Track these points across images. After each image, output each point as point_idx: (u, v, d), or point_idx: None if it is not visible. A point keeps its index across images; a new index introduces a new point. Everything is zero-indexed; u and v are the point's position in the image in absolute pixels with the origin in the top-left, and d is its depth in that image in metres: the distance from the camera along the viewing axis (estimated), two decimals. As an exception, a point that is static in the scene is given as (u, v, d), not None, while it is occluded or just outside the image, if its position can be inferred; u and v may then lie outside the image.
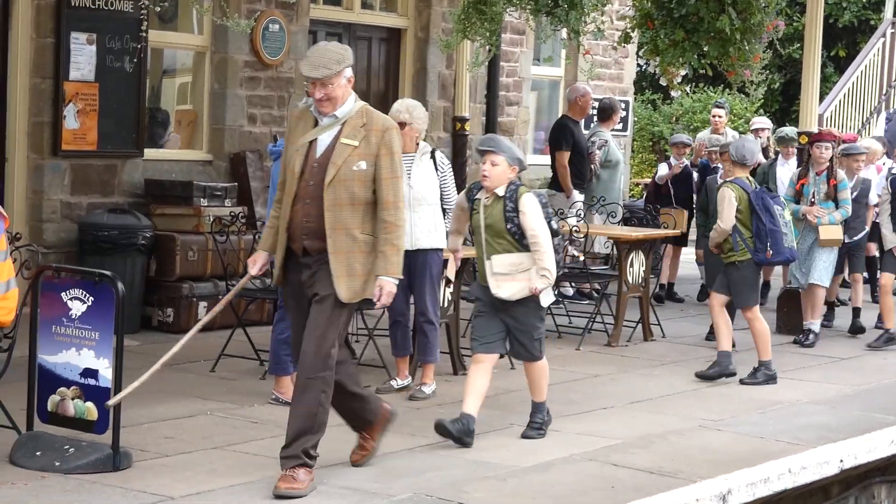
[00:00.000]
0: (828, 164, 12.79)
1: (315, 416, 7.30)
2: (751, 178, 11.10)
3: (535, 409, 8.86)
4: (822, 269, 12.81)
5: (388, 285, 7.37)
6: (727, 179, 11.44)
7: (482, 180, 8.50)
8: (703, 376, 10.93)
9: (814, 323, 12.90)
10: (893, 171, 14.20)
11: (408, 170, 9.79)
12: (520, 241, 8.46)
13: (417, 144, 9.90)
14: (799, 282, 12.98)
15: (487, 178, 8.45)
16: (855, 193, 13.37)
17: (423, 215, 9.81)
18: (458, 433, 8.37)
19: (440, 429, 8.41)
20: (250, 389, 9.85)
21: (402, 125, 9.77)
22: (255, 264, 7.56)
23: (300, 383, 7.38)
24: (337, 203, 7.23)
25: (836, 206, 12.79)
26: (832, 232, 12.81)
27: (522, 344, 8.69)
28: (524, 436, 8.71)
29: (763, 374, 10.93)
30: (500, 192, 8.44)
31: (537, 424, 8.81)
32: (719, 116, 16.22)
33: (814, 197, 12.79)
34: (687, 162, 15.37)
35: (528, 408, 9.56)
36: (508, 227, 8.45)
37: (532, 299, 8.52)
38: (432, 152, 10.00)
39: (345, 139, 7.27)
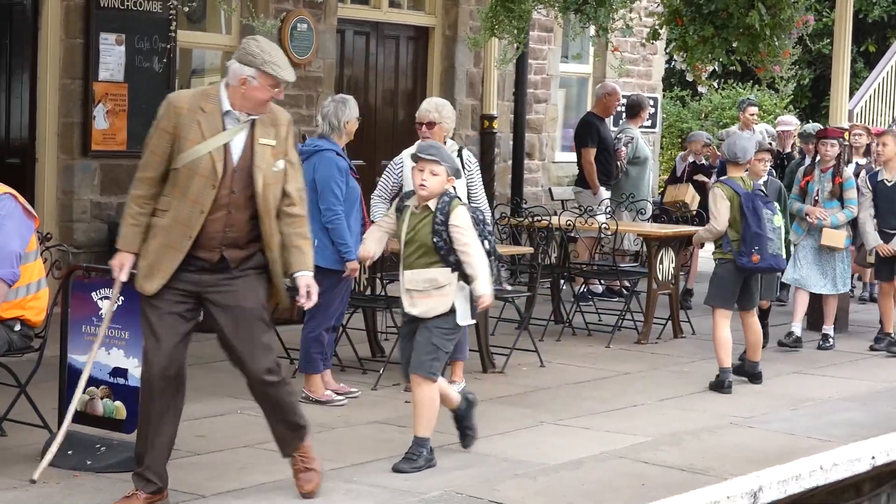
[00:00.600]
0: (834, 161, 12.45)
1: (296, 414, 7.12)
2: (745, 179, 10.42)
3: (414, 443, 7.81)
4: (840, 276, 12.49)
5: (311, 281, 6.91)
6: (719, 179, 11.04)
7: (419, 189, 7.71)
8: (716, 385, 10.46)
9: (828, 328, 12.60)
10: (873, 167, 13.62)
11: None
12: (445, 257, 7.69)
13: (445, 143, 9.89)
14: (793, 277, 12.51)
15: (425, 188, 7.69)
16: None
17: (451, 214, 9.77)
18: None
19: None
20: (280, 388, 9.84)
21: (430, 124, 9.78)
22: (124, 269, 6.83)
23: (272, 392, 7.04)
24: (268, 209, 6.76)
25: (842, 206, 12.40)
26: (833, 237, 12.36)
27: (419, 354, 7.78)
28: (395, 469, 7.69)
29: (718, 382, 10.42)
30: (432, 204, 7.70)
31: (413, 457, 7.76)
32: (754, 114, 15.81)
33: (818, 195, 12.45)
34: (703, 160, 15.17)
35: (558, 405, 9.58)
36: (435, 240, 7.66)
37: (449, 318, 7.77)
38: (460, 151, 10.00)
39: (262, 140, 6.77)
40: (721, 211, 10.30)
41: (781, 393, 10.47)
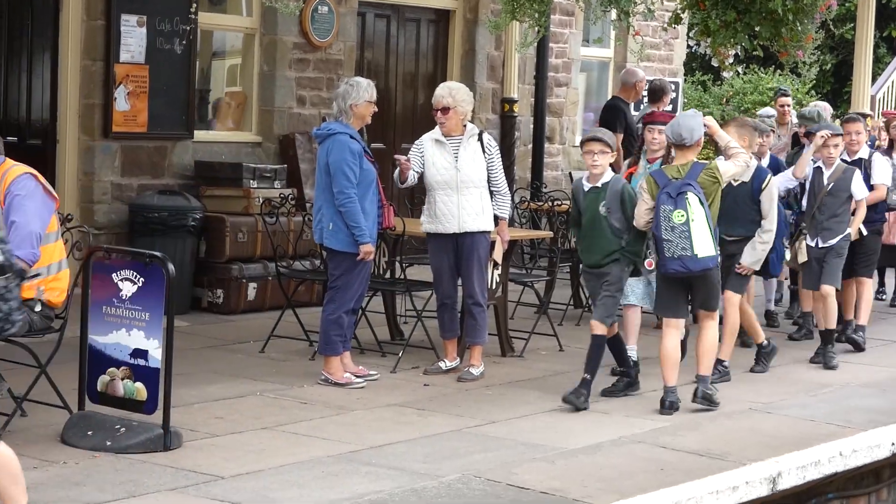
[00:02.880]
0: (663, 150, 10.03)
1: None
2: (682, 168, 8.92)
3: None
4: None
5: None
6: (651, 171, 9.56)
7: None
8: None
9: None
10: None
11: (455, 152, 9.79)
12: None
13: (464, 126, 9.88)
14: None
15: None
16: (830, 186, 11.20)
17: (471, 198, 9.79)
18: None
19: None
20: (300, 370, 9.88)
21: (445, 109, 9.76)
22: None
23: None
24: None
25: None
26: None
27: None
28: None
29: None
30: None
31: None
32: (788, 105, 15.02)
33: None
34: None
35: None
36: None
37: None
38: (480, 134, 9.98)
39: None
40: (639, 207, 9.10)
41: (800, 379, 10.44)
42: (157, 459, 7.27)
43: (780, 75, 23.88)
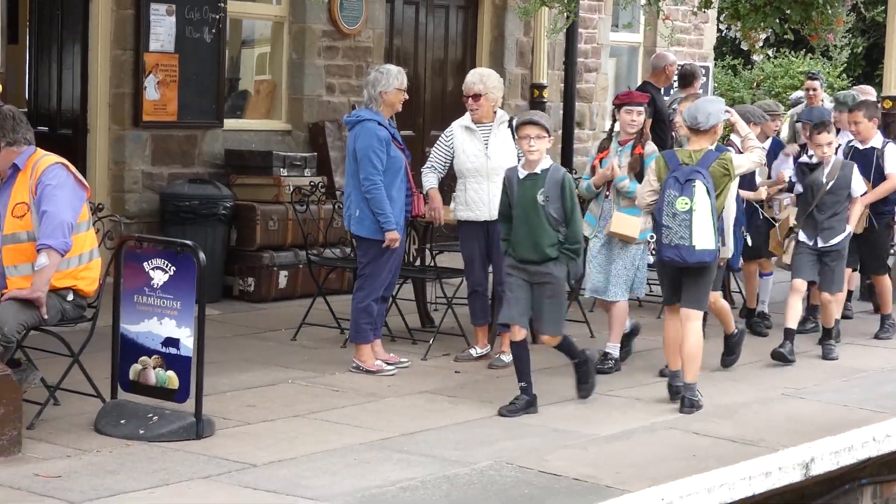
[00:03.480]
0: (636, 132, 9.79)
1: None
2: (695, 154, 8.63)
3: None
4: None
5: None
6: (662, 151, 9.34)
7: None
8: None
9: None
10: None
11: (485, 139, 9.76)
12: None
13: (495, 113, 9.86)
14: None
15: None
16: (830, 184, 10.53)
17: (501, 185, 9.76)
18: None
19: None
20: (331, 358, 9.89)
21: (476, 96, 9.73)
22: None
23: None
24: None
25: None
26: (625, 224, 9.59)
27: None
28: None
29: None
30: None
31: None
32: (814, 90, 14.49)
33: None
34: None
35: (608, 376, 9.56)
36: None
37: None
38: (510, 121, 9.95)
39: None
40: (643, 186, 8.98)
41: (833, 364, 10.39)
42: (189, 448, 7.29)
43: (810, 59, 23.76)
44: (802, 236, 10.64)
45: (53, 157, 7.68)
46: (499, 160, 9.74)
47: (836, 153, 10.84)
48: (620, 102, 9.91)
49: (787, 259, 10.87)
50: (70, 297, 7.68)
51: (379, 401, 8.66)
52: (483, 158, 9.78)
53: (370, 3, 14.12)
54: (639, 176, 9.48)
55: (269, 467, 7.06)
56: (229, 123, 13.08)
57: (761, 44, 14.52)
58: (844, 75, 24.43)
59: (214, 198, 12.07)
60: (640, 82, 16.60)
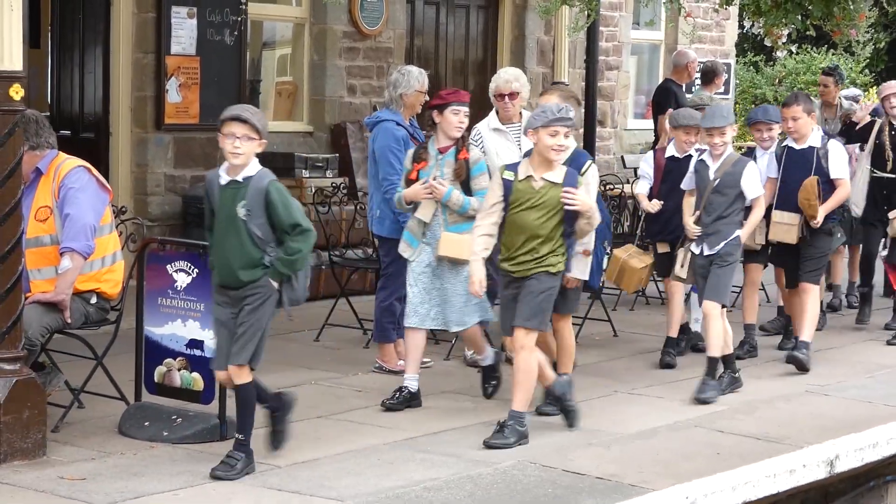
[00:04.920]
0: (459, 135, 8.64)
1: None
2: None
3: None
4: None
5: None
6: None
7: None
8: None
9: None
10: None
11: (517, 140, 9.58)
12: None
13: (520, 114, 9.81)
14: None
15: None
16: (717, 181, 9.14)
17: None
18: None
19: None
20: (354, 358, 9.91)
21: (513, 94, 9.59)
22: None
23: None
24: None
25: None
26: (453, 246, 8.38)
27: None
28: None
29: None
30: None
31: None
32: (825, 85, 13.72)
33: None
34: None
35: (632, 374, 9.55)
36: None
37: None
38: (533, 120, 9.88)
39: None
40: (486, 199, 7.89)
41: (857, 360, 10.36)
42: (214, 449, 7.30)
43: (833, 54, 23.68)
44: (693, 245, 9.28)
45: (76, 161, 7.70)
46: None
47: (771, 148, 10.06)
48: (445, 102, 8.56)
49: (680, 272, 9.42)
50: (93, 299, 7.70)
51: (402, 401, 8.66)
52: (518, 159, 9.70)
53: (391, 4, 14.14)
54: (465, 184, 8.47)
55: (293, 468, 7.07)
56: (251, 125, 13.07)
57: (783, 40, 14.45)
58: (867, 70, 24.34)
59: (237, 200, 12.06)
60: (661, 80, 16.58)
